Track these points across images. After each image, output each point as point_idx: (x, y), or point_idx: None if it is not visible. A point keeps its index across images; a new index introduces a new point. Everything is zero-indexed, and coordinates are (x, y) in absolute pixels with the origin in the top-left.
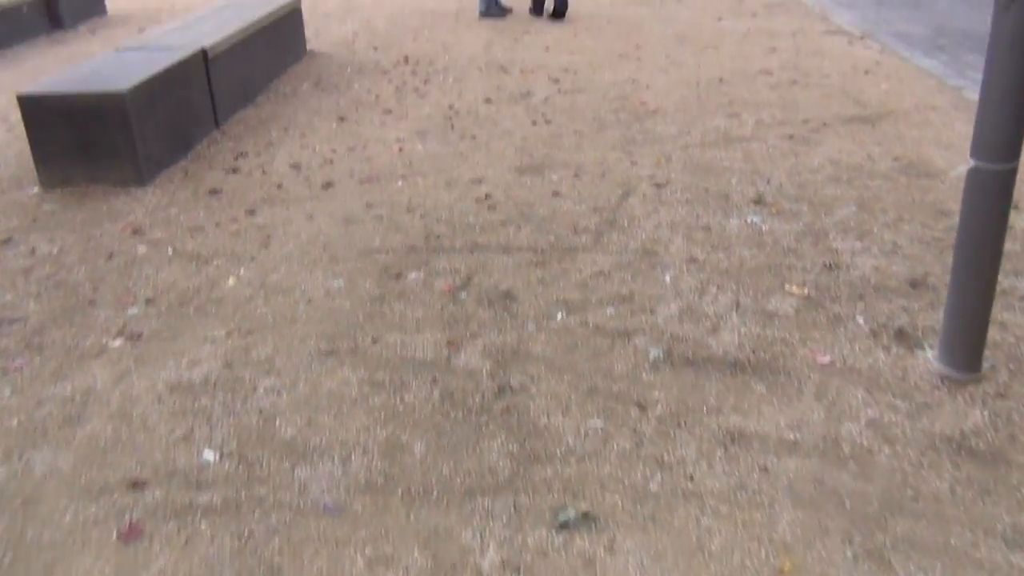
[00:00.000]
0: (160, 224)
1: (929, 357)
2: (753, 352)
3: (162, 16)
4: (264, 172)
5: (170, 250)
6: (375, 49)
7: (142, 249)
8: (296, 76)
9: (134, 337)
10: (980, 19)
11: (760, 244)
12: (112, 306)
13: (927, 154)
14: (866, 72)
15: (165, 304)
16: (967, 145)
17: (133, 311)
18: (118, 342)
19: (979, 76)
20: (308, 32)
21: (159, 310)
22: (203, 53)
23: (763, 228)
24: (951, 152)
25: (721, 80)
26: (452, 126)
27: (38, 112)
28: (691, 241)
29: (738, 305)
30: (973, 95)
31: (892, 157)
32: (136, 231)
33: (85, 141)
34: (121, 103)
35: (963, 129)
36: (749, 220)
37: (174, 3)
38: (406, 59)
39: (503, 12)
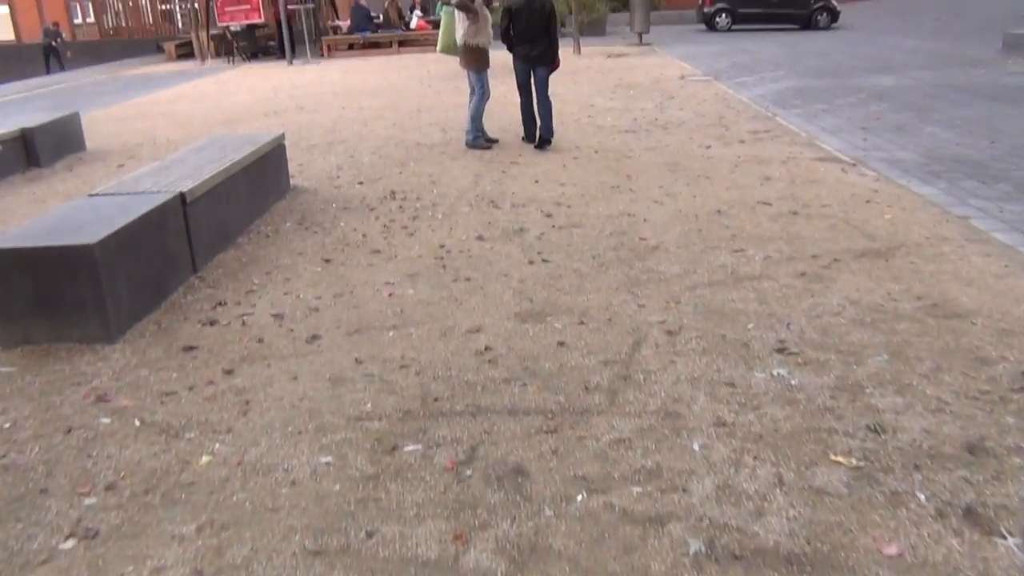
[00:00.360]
0: (127, 388)
1: (1011, 545)
2: (808, 542)
3: (142, 152)
4: (244, 324)
5: (137, 421)
6: (360, 183)
7: (105, 421)
8: (279, 214)
9: (89, 536)
10: (969, 144)
11: (792, 402)
12: (66, 495)
13: (951, 292)
14: (867, 201)
15: (128, 491)
16: (989, 282)
17: (90, 501)
18: (70, 543)
19: (982, 204)
20: (291, 166)
21: (120, 499)
22: (181, 197)
23: (792, 382)
24: (974, 289)
25: (720, 212)
26: (444, 267)
27: None
28: (715, 400)
29: (781, 480)
30: (981, 224)
31: (914, 296)
32: (100, 398)
33: (50, 296)
34: (89, 256)
35: (981, 263)
36: (775, 373)
37: (155, 137)
38: (393, 194)
39: (490, 143)
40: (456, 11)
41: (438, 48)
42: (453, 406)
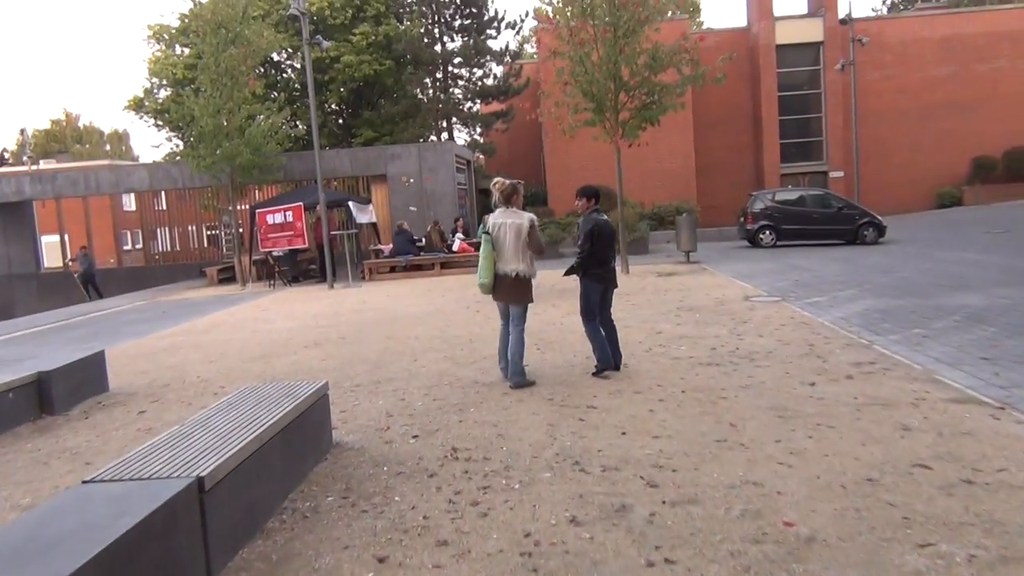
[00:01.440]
0: None
1: None
2: None
3: (168, 395)
4: None
5: None
6: (415, 437)
7: None
8: (320, 483)
9: None
10: None
11: None
12: None
13: None
14: None
15: None
16: None
17: None
18: None
19: None
20: (333, 414)
21: None
22: (198, 484)
23: None
24: None
25: (871, 481)
26: (535, 572)
27: None
28: None
29: None
30: None
31: None
32: None
33: None
34: None
35: None
36: None
37: (185, 375)
38: (455, 452)
39: (530, 382)
40: (510, 236)
41: (482, 282)
42: None
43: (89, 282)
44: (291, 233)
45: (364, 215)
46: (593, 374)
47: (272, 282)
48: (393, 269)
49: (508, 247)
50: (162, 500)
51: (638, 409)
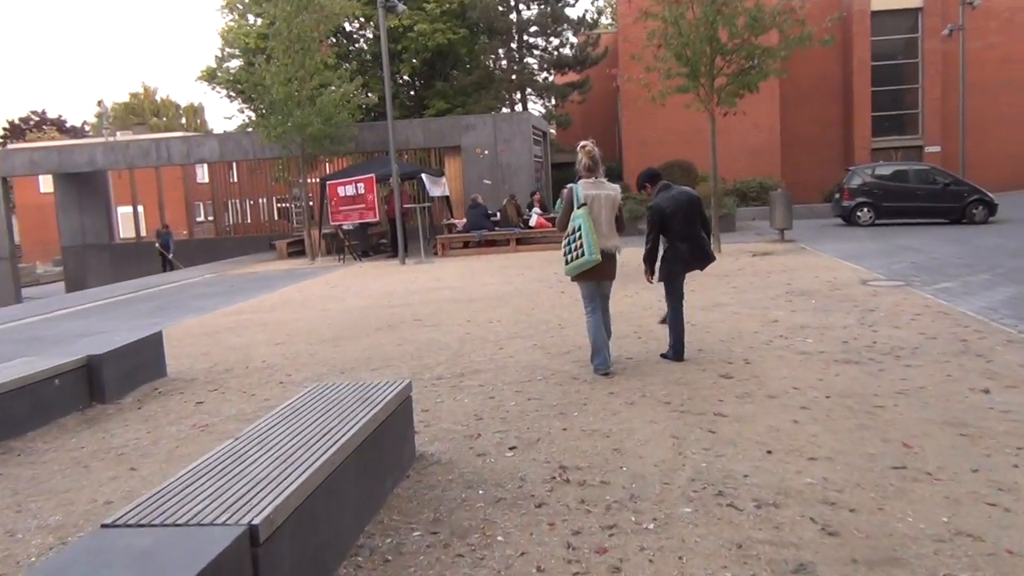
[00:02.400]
0: None
1: None
2: None
3: (230, 382)
4: None
5: None
6: (512, 449)
7: None
8: (402, 511)
9: None
10: None
11: None
12: None
13: None
14: None
15: None
16: None
17: None
18: None
19: None
20: (415, 417)
21: None
22: (251, 534)
23: None
24: None
25: None
26: None
27: None
28: None
29: None
30: None
31: None
32: None
33: None
34: None
35: None
36: None
37: (249, 357)
38: (563, 472)
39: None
40: (606, 209)
41: (589, 256)
42: None
43: (167, 255)
44: (362, 206)
45: (437, 188)
46: (662, 354)
47: (342, 256)
48: (467, 244)
49: (604, 220)
50: (203, 561)
51: (778, 419)
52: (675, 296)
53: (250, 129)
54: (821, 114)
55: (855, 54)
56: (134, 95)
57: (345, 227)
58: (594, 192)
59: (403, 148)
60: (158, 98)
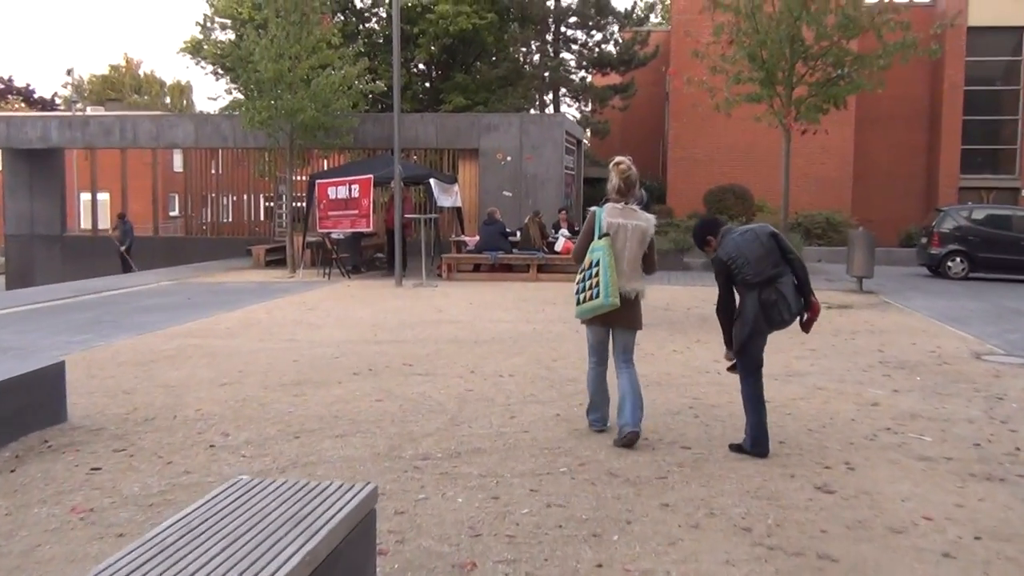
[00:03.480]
0: None
1: None
2: None
3: (144, 438)
4: None
5: None
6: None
7: None
8: None
9: None
10: None
11: None
12: None
13: None
14: None
15: None
16: None
17: None
18: None
19: None
20: (385, 521)
21: None
22: None
23: None
24: None
25: None
26: None
27: None
28: None
29: None
30: None
31: None
32: None
33: None
34: None
35: None
36: None
37: (181, 402)
38: None
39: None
40: (632, 244)
41: (605, 300)
42: None
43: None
44: (355, 212)
45: (448, 197)
46: (732, 445)
47: (327, 271)
48: (478, 268)
49: (628, 257)
50: None
51: (913, 574)
52: (749, 365)
53: (233, 112)
54: (902, 142)
55: (947, 75)
56: (115, 67)
57: (334, 236)
58: (620, 221)
59: (411, 147)
60: (141, 73)
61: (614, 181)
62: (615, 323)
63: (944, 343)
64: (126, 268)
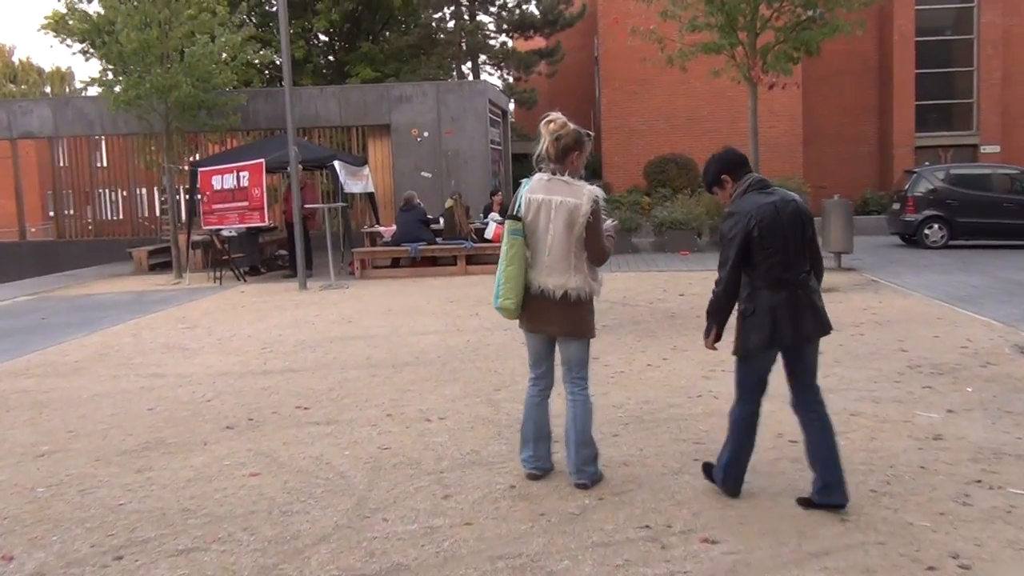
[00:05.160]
0: None
1: None
2: None
3: None
4: None
5: None
6: None
7: None
8: None
9: None
10: None
11: None
12: None
13: None
14: None
15: None
16: None
17: None
18: None
19: None
20: None
21: None
22: None
23: None
24: None
25: None
26: None
27: None
28: None
29: None
30: None
31: None
32: None
33: None
34: None
35: None
36: None
37: None
38: None
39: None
40: (557, 225)
41: (503, 304)
42: None
43: None
44: (245, 204)
45: (357, 182)
46: (705, 474)
47: (218, 274)
48: (396, 263)
49: (553, 243)
50: None
51: None
52: (748, 382)
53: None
54: (852, 101)
55: (896, 25)
56: None
57: (224, 233)
58: (541, 197)
59: (311, 125)
60: (15, 59)
61: (545, 144)
62: (546, 329)
63: (972, 334)
64: None
